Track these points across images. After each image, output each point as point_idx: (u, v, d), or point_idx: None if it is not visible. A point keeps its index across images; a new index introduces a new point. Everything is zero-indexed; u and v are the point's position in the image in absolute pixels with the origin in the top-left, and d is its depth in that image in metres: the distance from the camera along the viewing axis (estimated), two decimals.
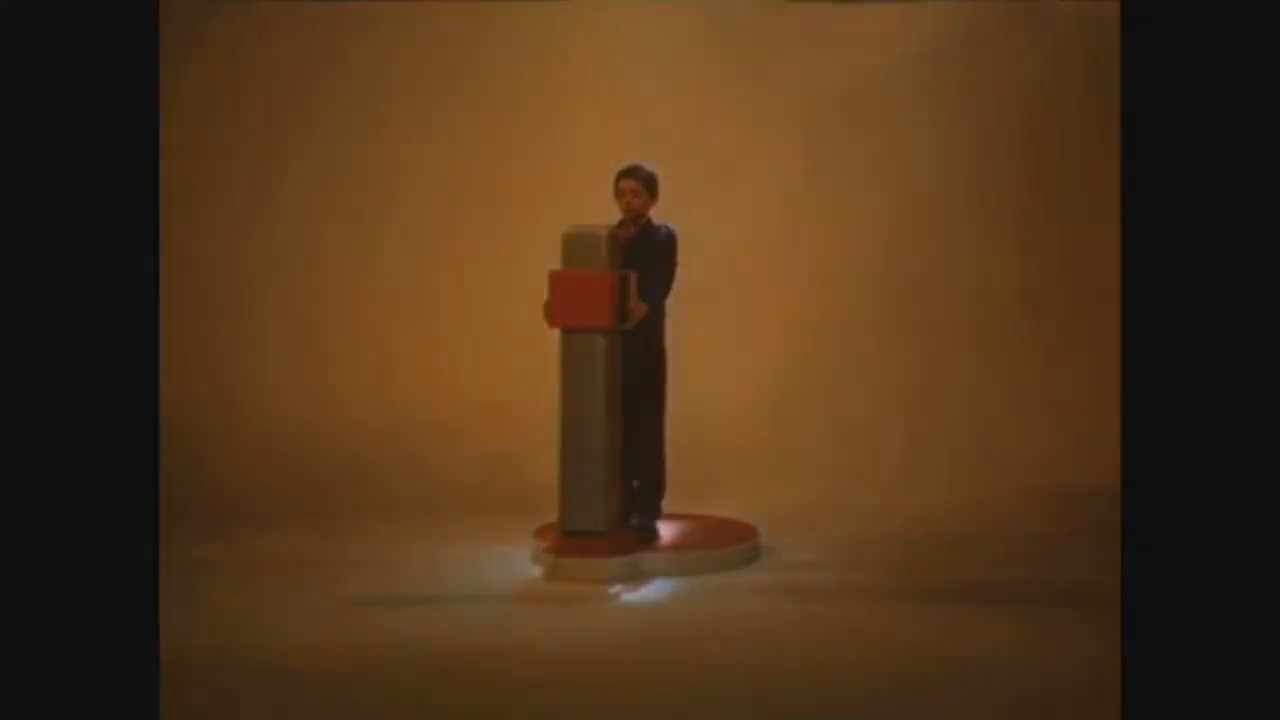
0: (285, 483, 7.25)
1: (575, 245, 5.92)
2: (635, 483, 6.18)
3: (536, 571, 6.01)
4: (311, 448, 7.46)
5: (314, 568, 6.06)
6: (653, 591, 5.73)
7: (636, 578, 5.87)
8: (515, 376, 7.63)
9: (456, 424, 7.72)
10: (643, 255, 6.09)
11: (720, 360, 7.74)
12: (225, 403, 7.50)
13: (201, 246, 7.47)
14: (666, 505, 6.35)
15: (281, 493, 7.15)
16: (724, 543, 6.26)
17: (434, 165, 7.91)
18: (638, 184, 6.14)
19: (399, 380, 7.81)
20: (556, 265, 5.91)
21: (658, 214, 6.28)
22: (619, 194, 6.16)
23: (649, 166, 6.20)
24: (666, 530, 6.28)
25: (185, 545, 5.77)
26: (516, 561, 6.17)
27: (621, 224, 6.13)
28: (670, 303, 6.18)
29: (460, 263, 7.95)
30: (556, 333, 5.98)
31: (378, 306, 7.94)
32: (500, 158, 7.88)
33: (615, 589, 5.75)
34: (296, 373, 7.71)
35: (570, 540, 5.86)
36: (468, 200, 7.92)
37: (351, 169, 7.81)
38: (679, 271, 6.20)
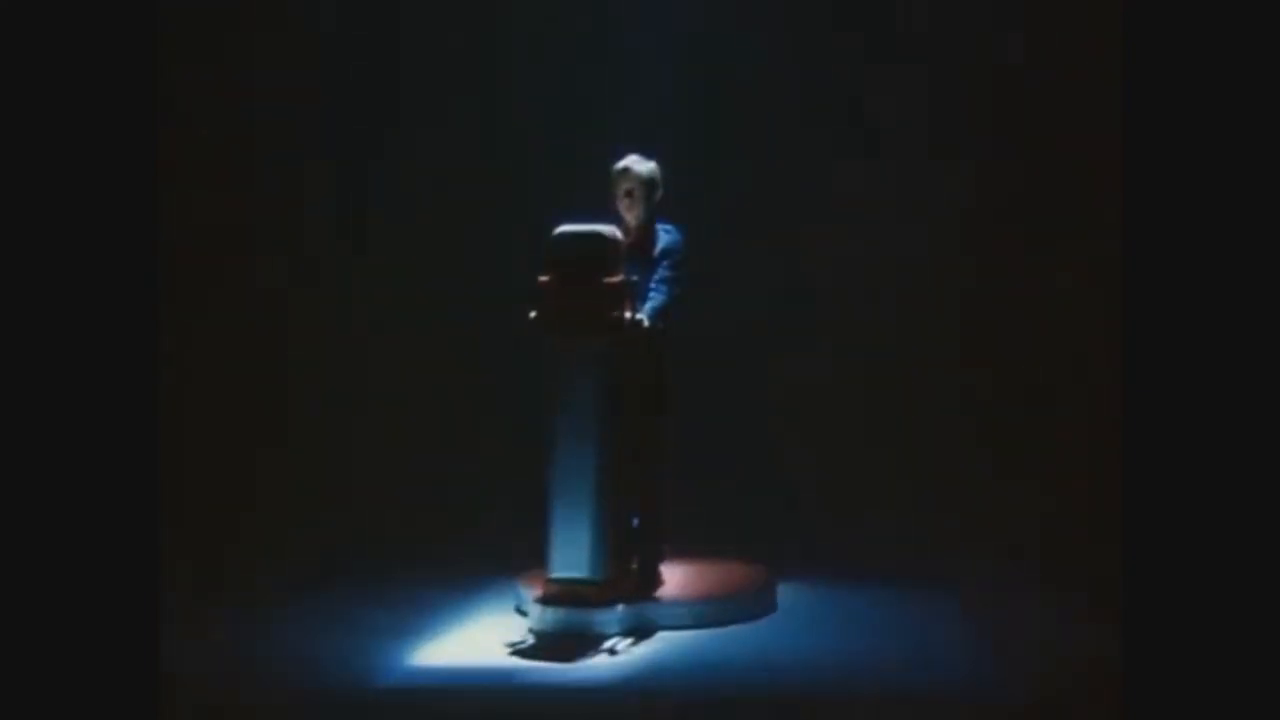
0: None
1: (567, 249, 5.65)
2: (636, 521, 5.89)
3: (523, 623, 5.76)
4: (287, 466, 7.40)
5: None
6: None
7: (637, 631, 5.63)
8: (499, 397, 7.52)
9: (437, 450, 7.59)
10: (645, 260, 5.81)
11: (734, 380, 7.61)
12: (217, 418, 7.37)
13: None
14: (671, 547, 6.11)
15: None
16: (736, 590, 6.02)
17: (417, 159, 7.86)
18: (638, 179, 5.83)
19: (375, 407, 7.74)
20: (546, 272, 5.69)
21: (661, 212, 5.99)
22: (616, 191, 5.86)
23: (650, 159, 5.88)
24: (671, 576, 6.03)
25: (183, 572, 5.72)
26: (501, 611, 5.98)
27: (621, 224, 5.85)
28: (678, 314, 5.89)
29: (442, 267, 7.79)
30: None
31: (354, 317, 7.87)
32: (487, 152, 7.80)
33: (613, 644, 5.51)
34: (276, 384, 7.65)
35: (561, 588, 5.62)
36: (453, 199, 7.83)
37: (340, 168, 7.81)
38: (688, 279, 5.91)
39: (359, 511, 7.25)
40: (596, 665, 5.33)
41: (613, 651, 5.44)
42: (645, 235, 5.87)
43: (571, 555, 5.59)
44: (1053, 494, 6.84)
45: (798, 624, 5.85)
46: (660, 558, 6.00)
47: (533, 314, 5.62)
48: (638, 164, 5.85)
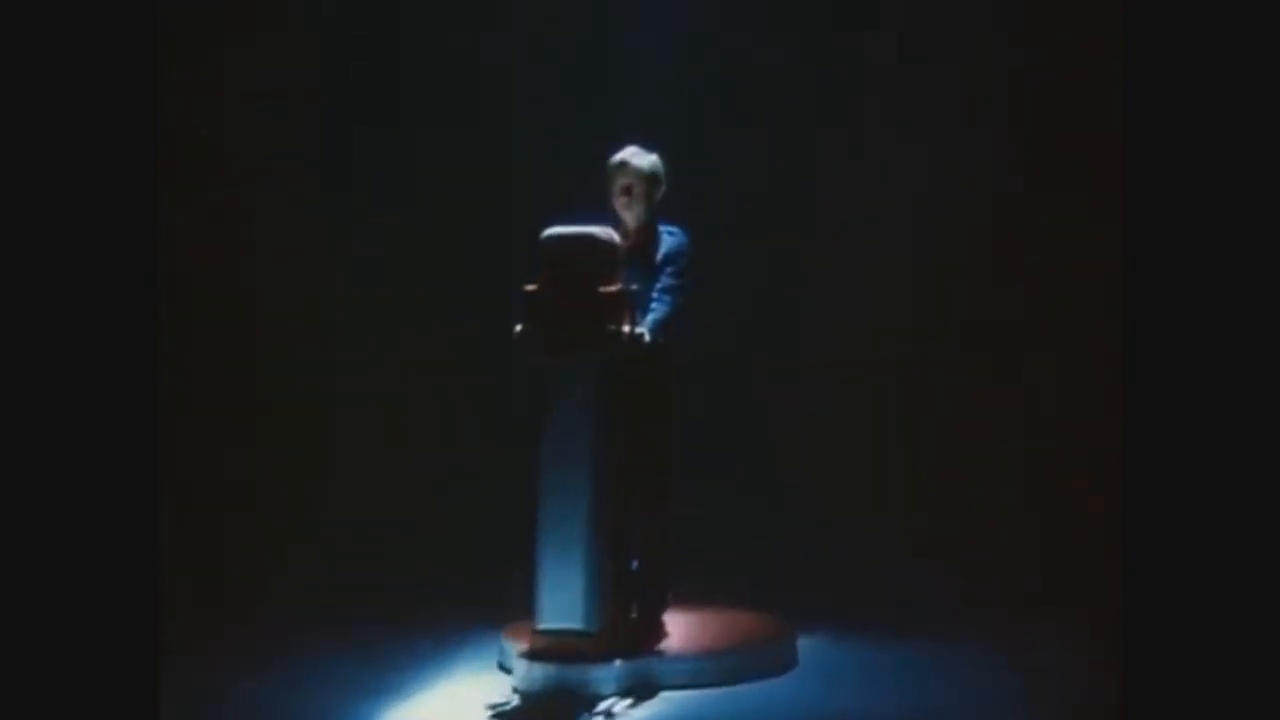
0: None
1: (557, 254, 5.45)
2: (635, 564, 5.71)
3: (507, 681, 5.56)
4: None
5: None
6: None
7: (637, 690, 5.44)
8: (480, 422, 7.52)
9: (415, 481, 7.53)
10: (646, 266, 5.61)
11: (735, 396, 7.60)
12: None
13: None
14: (675, 595, 5.91)
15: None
16: (749, 643, 5.84)
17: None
18: (637, 174, 5.63)
19: (376, 407, 7.83)
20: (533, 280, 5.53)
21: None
22: (613, 188, 5.66)
23: (651, 152, 5.69)
24: (675, 627, 5.82)
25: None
26: (483, 667, 5.79)
27: (618, 225, 5.66)
28: (683, 327, 5.72)
29: (412, 276, 7.80)
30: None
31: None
32: (487, 152, 7.82)
33: (609, 705, 5.32)
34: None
35: (549, 641, 5.41)
36: (453, 198, 7.85)
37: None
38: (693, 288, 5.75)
39: (350, 527, 7.30)
40: None
41: (609, 714, 5.25)
42: (646, 237, 5.66)
43: (562, 603, 5.37)
44: (1056, 523, 6.93)
45: (819, 682, 5.66)
46: (663, 606, 5.78)
47: (518, 328, 5.40)
48: (637, 157, 5.65)
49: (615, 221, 5.61)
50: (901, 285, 7.67)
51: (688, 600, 5.92)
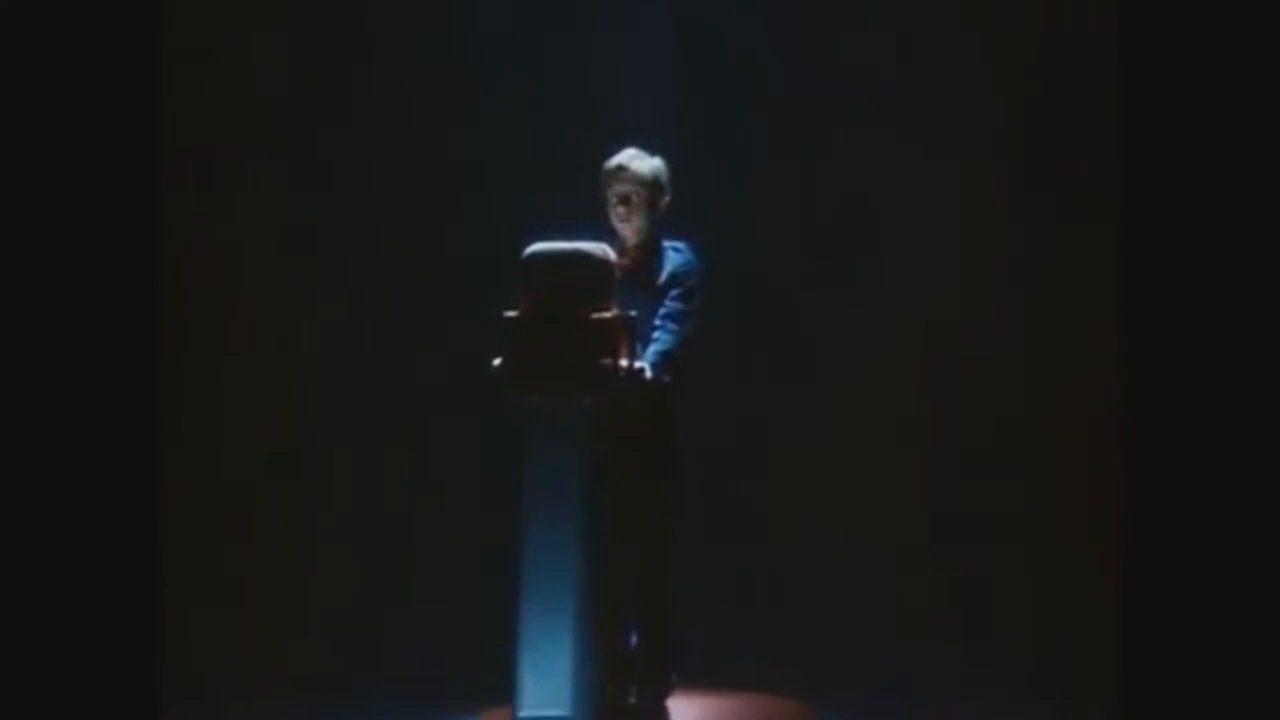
0: None
1: (543, 275, 5.10)
2: (634, 639, 5.35)
3: None
4: None
5: None
6: None
7: None
8: (455, 471, 7.14)
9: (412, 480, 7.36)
10: (647, 288, 5.28)
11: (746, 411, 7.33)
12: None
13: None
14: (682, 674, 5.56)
15: None
16: None
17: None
18: (636, 181, 5.30)
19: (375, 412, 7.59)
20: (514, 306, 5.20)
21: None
22: (609, 197, 5.33)
23: (654, 157, 5.37)
24: (682, 714, 5.44)
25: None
26: None
27: (615, 241, 5.31)
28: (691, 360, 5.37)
29: (439, 267, 7.54)
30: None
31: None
32: (486, 153, 7.54)
33: None
34: None
35: None
36: (451, 199, 7.59)
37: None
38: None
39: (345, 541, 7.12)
40: None
41: None
42: (647, 255, 5.30)
43: (546, 686, 4.99)
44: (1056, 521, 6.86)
45: None
46: (667, 689, 5.40)
47: (497, 361, 5.01)
48: (636, 160, 5.28)
49: (611, 236, 5.23)
50: (902, 285, 7.57)
51: (696, 682, 5.53)
